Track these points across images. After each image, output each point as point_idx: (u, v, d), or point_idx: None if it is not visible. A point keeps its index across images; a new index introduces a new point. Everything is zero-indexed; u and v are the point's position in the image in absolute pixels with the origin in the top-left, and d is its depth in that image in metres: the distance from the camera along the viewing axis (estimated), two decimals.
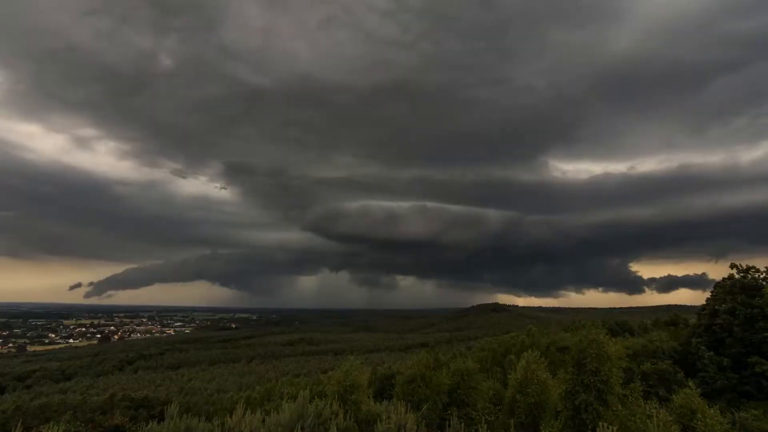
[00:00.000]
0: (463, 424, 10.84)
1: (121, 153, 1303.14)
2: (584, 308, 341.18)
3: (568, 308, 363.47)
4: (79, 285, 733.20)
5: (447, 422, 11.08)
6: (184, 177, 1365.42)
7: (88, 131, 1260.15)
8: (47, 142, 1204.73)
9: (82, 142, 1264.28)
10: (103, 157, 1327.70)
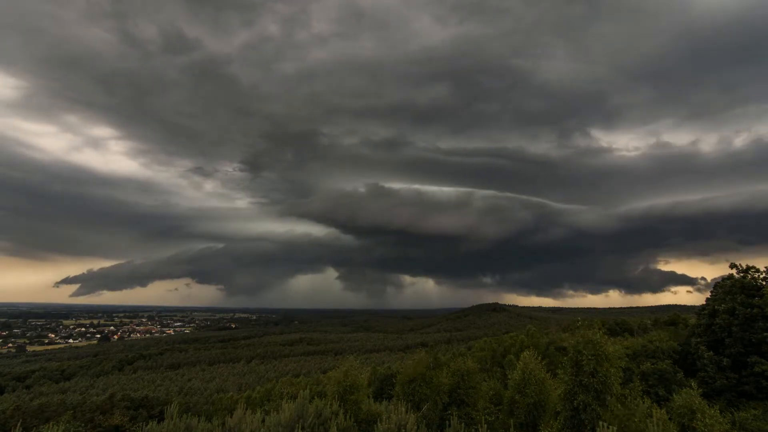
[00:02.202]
0: (463, 424, 10.86)
1: (135, 152, 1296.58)
2: (584, 308, 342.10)
3: (567, 308, 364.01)
4: (64, 282, 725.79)
5: (447, 422, 11.10)
6: (201, 175, 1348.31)
7: (104, 131, 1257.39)
8: (61, 142, 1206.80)
9: (95, 143, 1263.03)
10: (113, 156, 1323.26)
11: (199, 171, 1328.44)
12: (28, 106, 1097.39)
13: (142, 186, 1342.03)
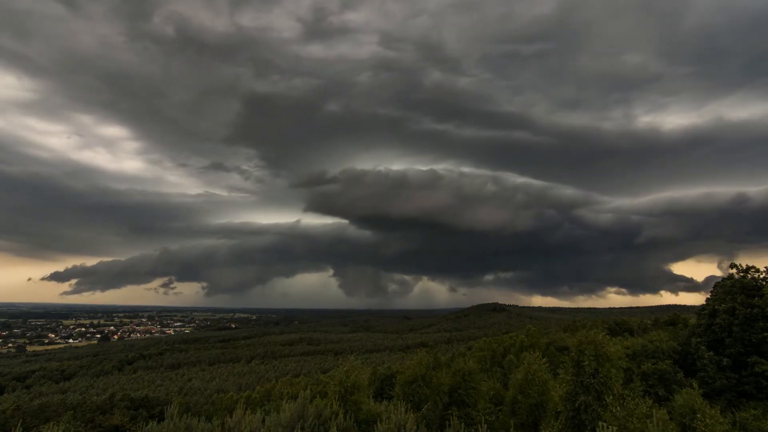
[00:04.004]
0: (462, 424, 10.85)
1: (147, 150, 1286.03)
2: (584, 308, 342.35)
3: (568, 308, 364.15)
4: (53, 278, 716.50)
5: (447, 422, 11.10)
6: (216, 170, 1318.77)
7: (116, 130, 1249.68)
8: (67, 141, 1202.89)
9: (100, 142, 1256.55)
10: (126, 154, 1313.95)
11: (218, 166, 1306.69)
12: (43, 107, 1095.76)
13: (151, 183, 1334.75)
